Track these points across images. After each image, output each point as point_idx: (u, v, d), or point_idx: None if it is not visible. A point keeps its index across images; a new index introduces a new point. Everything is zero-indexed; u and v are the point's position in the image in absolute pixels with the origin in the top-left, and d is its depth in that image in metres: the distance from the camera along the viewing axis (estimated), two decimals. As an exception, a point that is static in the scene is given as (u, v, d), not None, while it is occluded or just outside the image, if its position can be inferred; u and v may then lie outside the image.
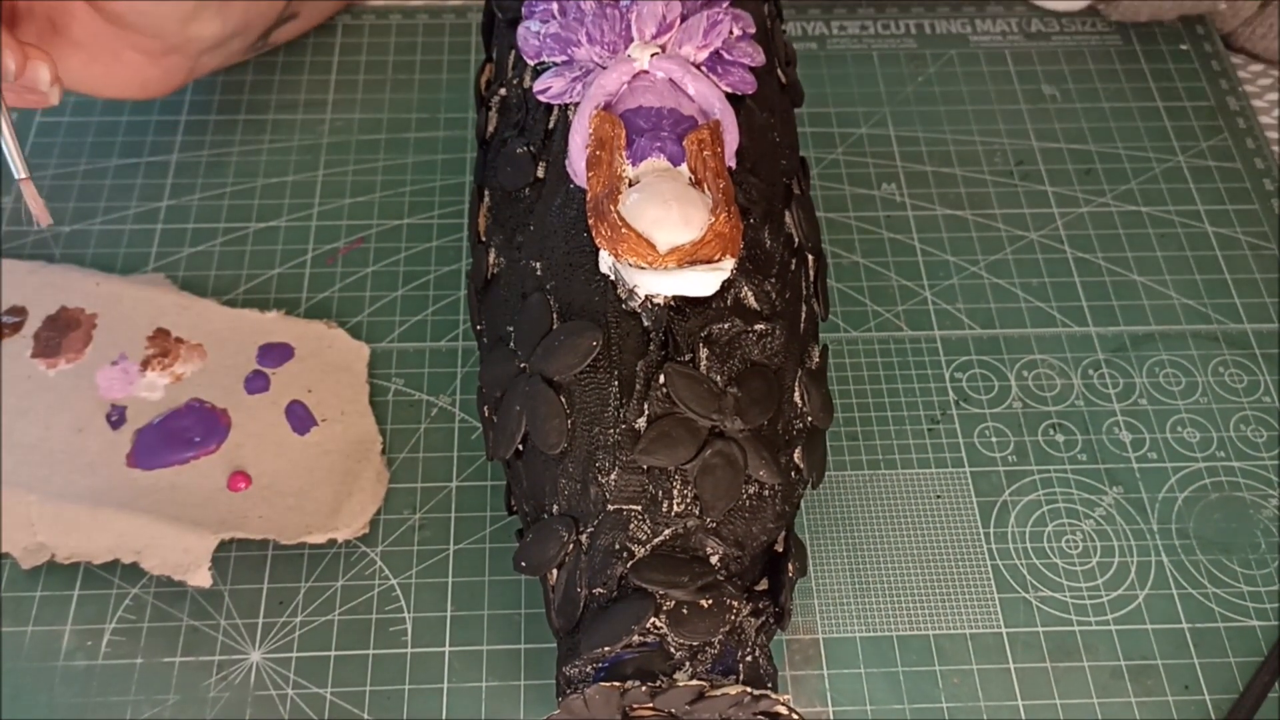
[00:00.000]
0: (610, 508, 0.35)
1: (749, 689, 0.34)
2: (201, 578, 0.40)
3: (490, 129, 0.44)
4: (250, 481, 0.43)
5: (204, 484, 0.43)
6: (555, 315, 0.37)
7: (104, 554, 0.41)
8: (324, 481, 0.43)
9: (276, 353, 0.46)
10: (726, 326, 0.37)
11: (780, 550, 0.37)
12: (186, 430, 0.44)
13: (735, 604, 0.35)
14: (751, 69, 0.42)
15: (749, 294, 0.38)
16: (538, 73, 0.42)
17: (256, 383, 0.45)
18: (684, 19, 0.41)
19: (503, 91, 0.44)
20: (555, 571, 0.36)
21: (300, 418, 0.45)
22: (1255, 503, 0.45)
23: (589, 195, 0.37)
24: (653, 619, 0.34)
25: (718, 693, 0.34)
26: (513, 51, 0.44)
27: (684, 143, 0.38)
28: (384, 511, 0.44)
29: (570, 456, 0.36)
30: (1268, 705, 0.40)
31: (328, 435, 0.45)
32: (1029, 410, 0.47)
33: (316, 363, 0.46)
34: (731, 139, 0.39)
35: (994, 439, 0.46)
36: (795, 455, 0.38)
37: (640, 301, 0.36)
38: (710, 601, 0.34)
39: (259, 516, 0.42)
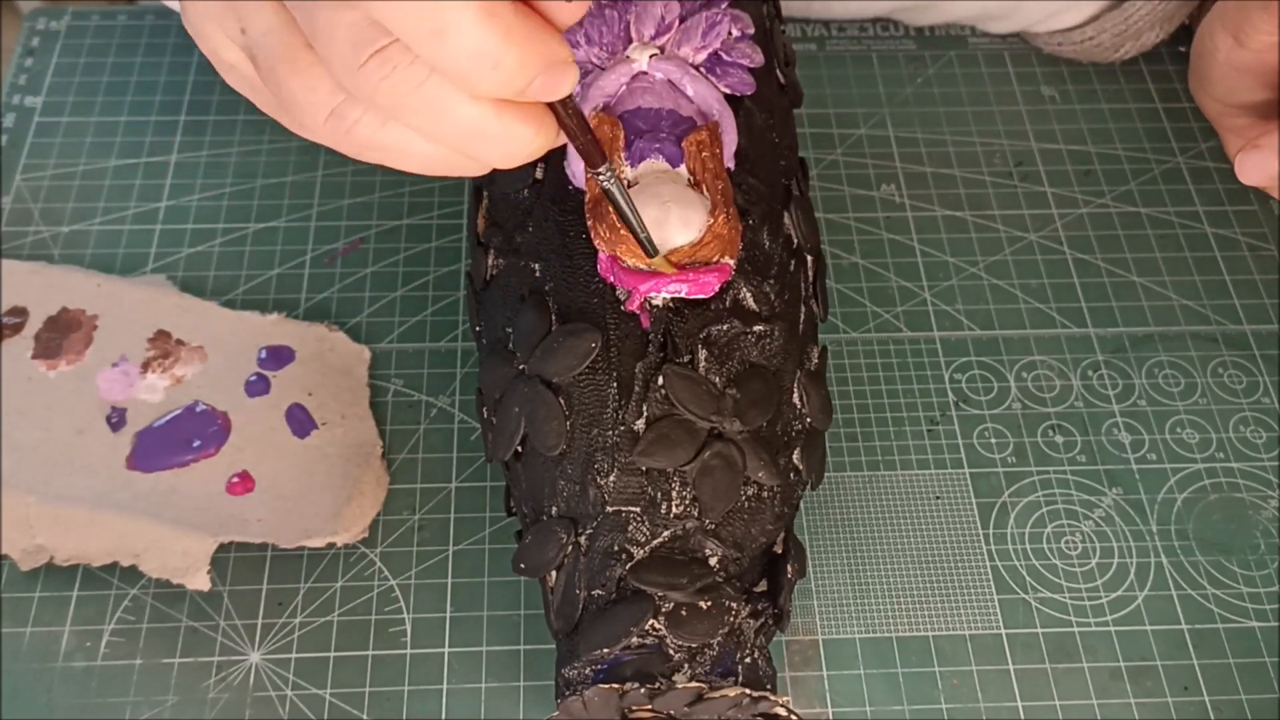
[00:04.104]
0: (609, 509, 0.35)
1: (748, 690, 0.34)
2: (200, 581, 0.40)
3: (489, 130, 0.44)
4: (250, 485, 0.43)
5: (203, 487, 0.43)
6: (554, 317, 0.37)
7: (103, 556, 0.41)
8: (323, 485, 0.43)
9: (277, 355, 0.46)
10: (725, 328, 0.37)
11: (779, 552, 0.37)
12: (186, 433, 0.44)
13: (734, 605, 0.35)
14: (750, 70, 0.42)
15: (748, 295, 0.38)
16: (537, 74, 0.42)
17: (257, 385, 0.45)
18: (683, 20, 0.41)
19: (502, 92, 0.44)
20: (554, 573, 0.36)
21: (300, 421, 0.45)
22: (1254, 504, 0.45)
23: (588, 196, 0.37)
24: (652, 620, 0.34)
25: (717, 694, 0.34)
26: (512, 52, 0.44)
27: (683, 144, 0.38)
28: (383, 512, 0.44)
29: (569, 458, 0.36)
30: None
31: (328, 439, 0.45)
32: (1028, 411, 0.47)
33: (317, 366, 0.46)
34: (730, 140, 0.39)
35: (993, 440, 0.46)
36: (794, 456, 0.38)
37: (639, 303, 0.36)
38: (709, 603, 0.35)
39: (258, 520, 0.42)
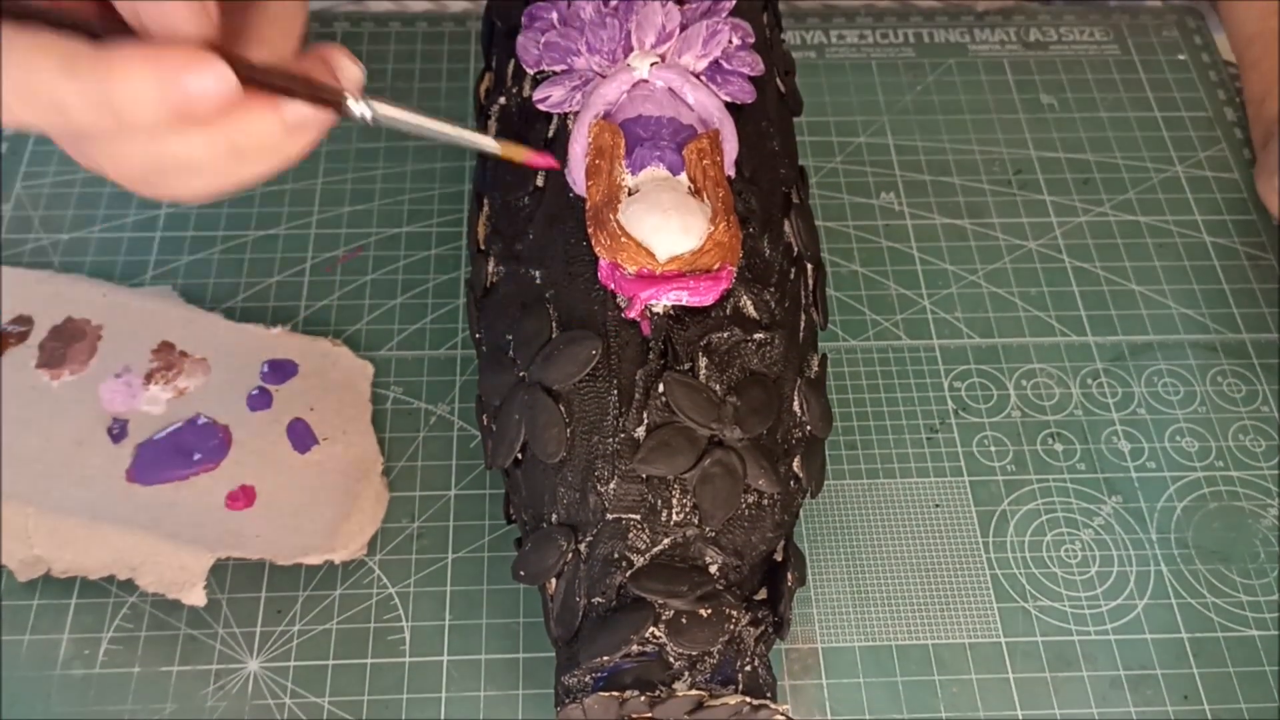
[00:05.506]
0: (609, 517, 0.35)
1: (748, 699, 0.34)
2: (197, 597, 0.40)
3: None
4: (249, 499, 0.43)
5: (202, 501, 0.42)
6: (554, 324, 0.37)
7: (100, 569, 0.41)
8: (323, 501, 0.43)
9: (280, 369, 0.46)
10: (726, 335, 0.37)
11: (779, 559, 0.37)
12: (187, 445, 0.44)
13: (734, 613, 0.35)
14: (751, 78, 0.42)
15: (748, 303, 0.38)
16: (537, 82, 0.42)
17: (259, 399, 0.45)
18: (683, 28, 0.41)
19: (502, 100, 0.44)
20: (554, 580, 0.36)
21: (301, 436, 0.44)
22: (1254, 512, 0.45)
23: (588, 204, 0.38)
24: (652, 628, 0.34)
25: (717, 702, 0.34)
26: (512, 60, 0.44)
27: (683, 152, 0.38)
28: (382, 521, 0.44)
29: (569, 465, 0.36)
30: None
31: (328, 454, 0.44)
32: (1028, 419, 0.47)
33: (320, 380, 0.46)
34: (730, 148, 0.39)
35: (993, 448, 0.46)
36: (794, 464, 0.38)
37: (639, 310, 0.36)
38: (709, 611, 0.34)
39: (256, 536, 0.42)
